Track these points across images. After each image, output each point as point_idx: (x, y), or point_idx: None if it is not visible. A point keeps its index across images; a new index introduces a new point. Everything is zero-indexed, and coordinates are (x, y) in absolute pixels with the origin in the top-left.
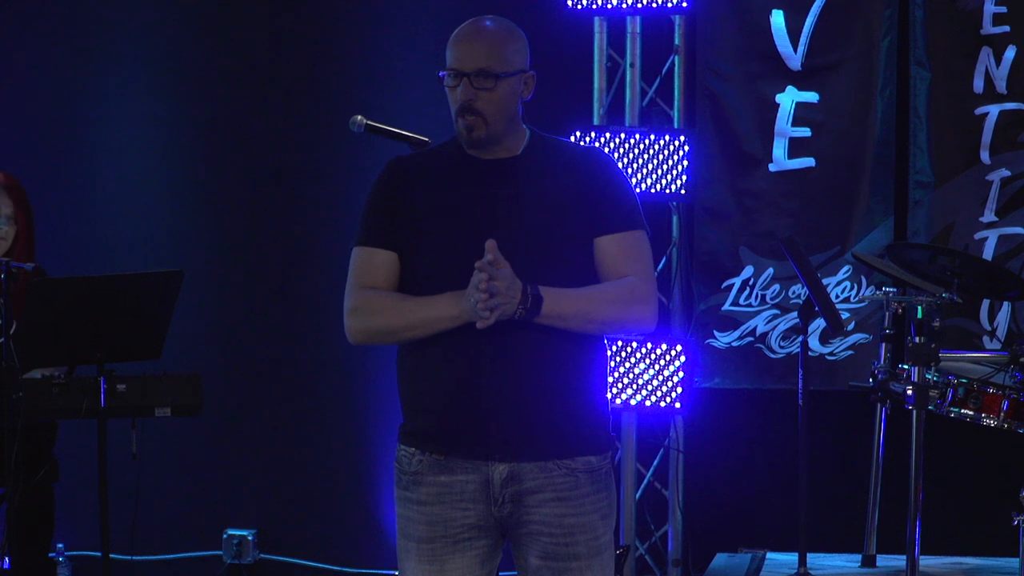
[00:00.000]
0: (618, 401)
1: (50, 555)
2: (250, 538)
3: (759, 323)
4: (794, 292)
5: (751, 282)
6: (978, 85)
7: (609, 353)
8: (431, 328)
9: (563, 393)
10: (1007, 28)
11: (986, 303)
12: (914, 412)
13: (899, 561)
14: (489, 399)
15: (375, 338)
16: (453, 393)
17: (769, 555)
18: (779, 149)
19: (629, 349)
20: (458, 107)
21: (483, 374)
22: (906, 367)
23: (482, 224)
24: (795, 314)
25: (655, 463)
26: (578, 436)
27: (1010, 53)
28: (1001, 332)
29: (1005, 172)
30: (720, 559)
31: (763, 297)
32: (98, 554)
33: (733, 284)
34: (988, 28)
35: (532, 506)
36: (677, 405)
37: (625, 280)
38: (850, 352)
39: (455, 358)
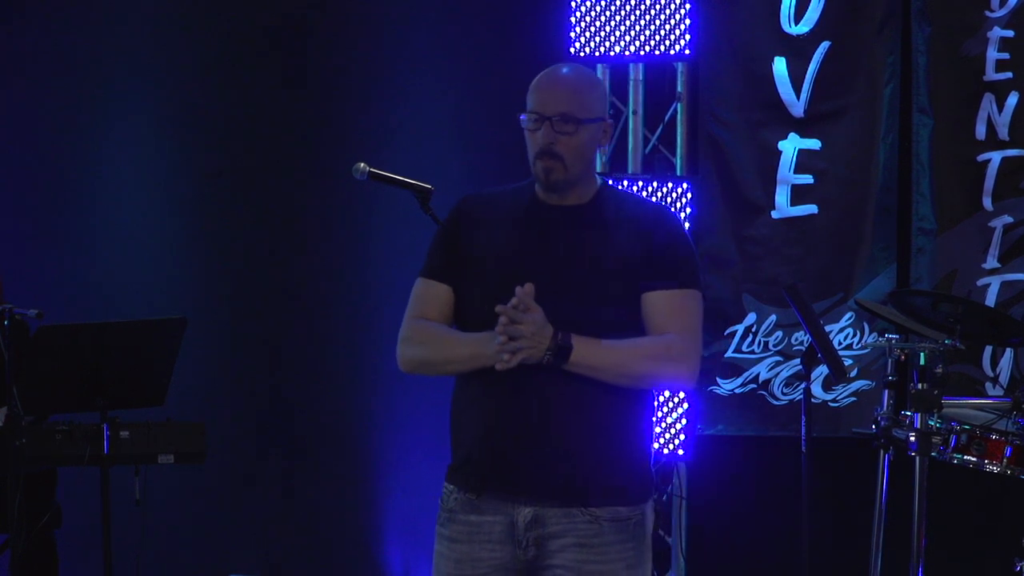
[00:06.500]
0: None
1: None
2: None
3: (762, 370)
4: (797, 339)
5: (754, 329)
6: (980, 131)
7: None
8: (469, 364)
9: (595, 441)
10: (1010, 74)
11: (989, 349)
12: (917, 458)
13: None
14: (520, 441)
15: (420, 368)
16: (484, 432)
17: None
18: (782, 196)
19: None
20: (538, 150)
21: (517, 416)
22: (909, 413)
23: (538, 268)
24: (798, 361)
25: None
26: (606, 485)
27: (1012, 99)
28: (1004, 378)
29: (1008, 219)
30: None
31: (766, 344)
32: None
33: (736, 331)
34: (991, 75)
35: (554, 551)
36: (680, 452)
37: (664, 336)
38: (853, 399)
39: (492, 397)
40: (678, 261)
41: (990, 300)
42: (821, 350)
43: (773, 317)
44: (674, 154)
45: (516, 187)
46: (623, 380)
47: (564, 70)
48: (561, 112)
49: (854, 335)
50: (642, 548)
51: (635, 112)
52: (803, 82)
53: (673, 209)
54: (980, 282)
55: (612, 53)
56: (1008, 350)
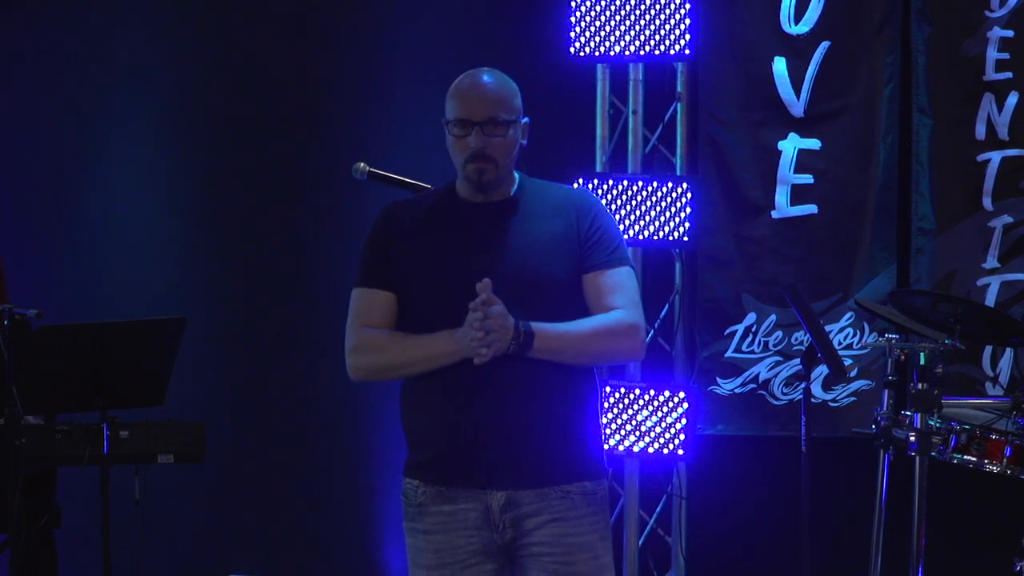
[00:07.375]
0: (621, 448)
1: None
2: None
3: (762, 370)
4: (797, 339)
5: (754, 329)
6: (980, 131)
7: (608, 390)
8: (429, 364)
9: (554, 422)
10: (1009, 74)
11: (988, 349)
12: (916, 458)
13: None
14: (484, 431)
15: (376, 375)
16: (450, 426)
17: None
18: (781, 196)
19: (632, 396)
20: (469, 154)
21: (477, 407)
22: (908, 413)
23: (474, 264)
24: (798, 361)
25: (658, 510)
26: (572, 463)
27: (1012, 99)
28: (1003, 378)
29: (1007, 219)
30: None
31: (766, 344)
32: None
33: (736, 331)
34: (990, 74)
35: (531, 528)
36: (680, 452)
37: (611, 314)
38: (853, 399)
39: (451, 392)
40: (610, 241)
41: (990, 300)
42: (821, 350)
43: (773, 317)
44: (674, 154)
45: (435, 191)
46: (582, 360)
47: (485, 76)
48: (490, 116)
49: (854, 335)
50: (607, 521)
51: (635, 112)
52: (803, 82)
53: (673, 209)
54: (980, 282)
55: (612, 53)
56: (1008, 350)
